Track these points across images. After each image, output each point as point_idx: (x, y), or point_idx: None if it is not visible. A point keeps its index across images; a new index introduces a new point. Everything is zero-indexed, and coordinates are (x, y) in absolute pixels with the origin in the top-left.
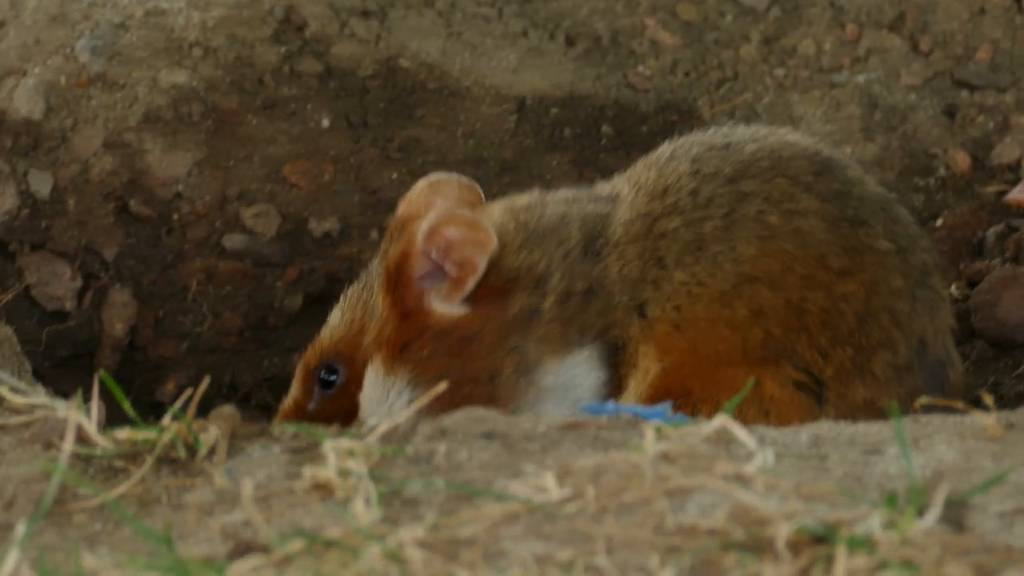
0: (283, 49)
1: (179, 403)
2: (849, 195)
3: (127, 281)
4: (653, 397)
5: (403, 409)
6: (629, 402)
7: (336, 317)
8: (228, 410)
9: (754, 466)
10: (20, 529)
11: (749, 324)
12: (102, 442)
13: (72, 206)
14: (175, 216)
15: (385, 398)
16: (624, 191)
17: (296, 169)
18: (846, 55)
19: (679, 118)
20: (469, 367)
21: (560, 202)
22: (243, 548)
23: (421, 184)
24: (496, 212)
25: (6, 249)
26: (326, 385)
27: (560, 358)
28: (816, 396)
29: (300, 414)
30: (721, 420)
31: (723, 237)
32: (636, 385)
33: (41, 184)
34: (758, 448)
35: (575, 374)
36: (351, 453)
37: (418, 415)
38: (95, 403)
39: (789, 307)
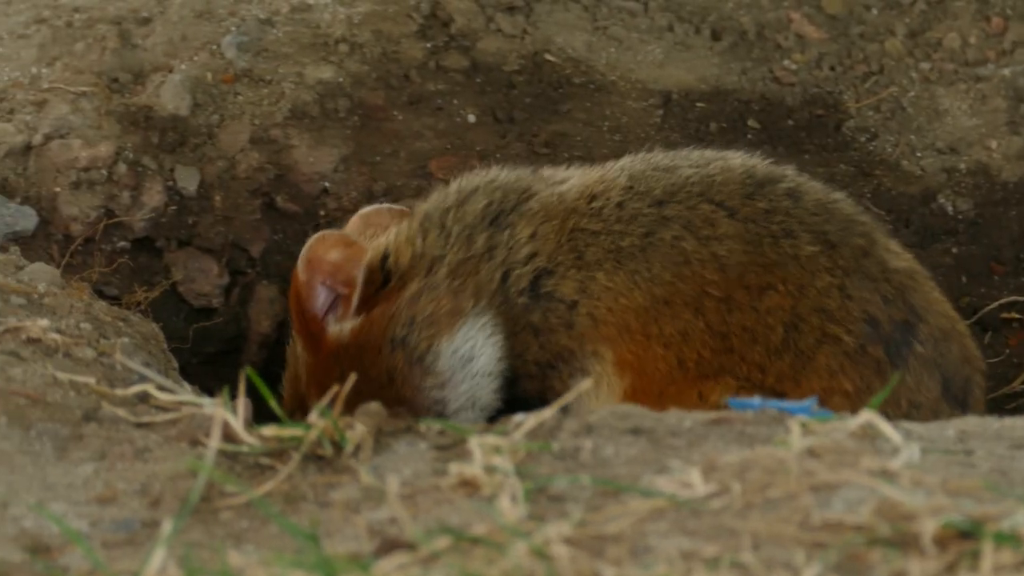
0: (429, 44)
1: (325, 400)
2: (775, 212)
3: (273, 277)
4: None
5: None
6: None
7: (290, 368)
8: (374, 407)
9: (900, 461)
10: (167, 526)
11: (679, 344)
12: (248, 439)
13: (219, 202)
14: (321, 212)
15: None
16: (569, 179)
17: (442, 164)
18: (991, 48)
19: (825, 112)
20: (370, 374)
21: (481, 178)
22: (389, 545)
23: (354, 220)
24: (410, 219)
25: (153, 245)
26: None
27: (451, 335)
28: (765, 391)
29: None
30: (867, 416)
31: (639, 257)
32: (605, 392)
33: (188, 180)
34: (904, 443)
35: (472, 346)
36: (497, 450)
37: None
38: (241, 400)
39: (712, 331)
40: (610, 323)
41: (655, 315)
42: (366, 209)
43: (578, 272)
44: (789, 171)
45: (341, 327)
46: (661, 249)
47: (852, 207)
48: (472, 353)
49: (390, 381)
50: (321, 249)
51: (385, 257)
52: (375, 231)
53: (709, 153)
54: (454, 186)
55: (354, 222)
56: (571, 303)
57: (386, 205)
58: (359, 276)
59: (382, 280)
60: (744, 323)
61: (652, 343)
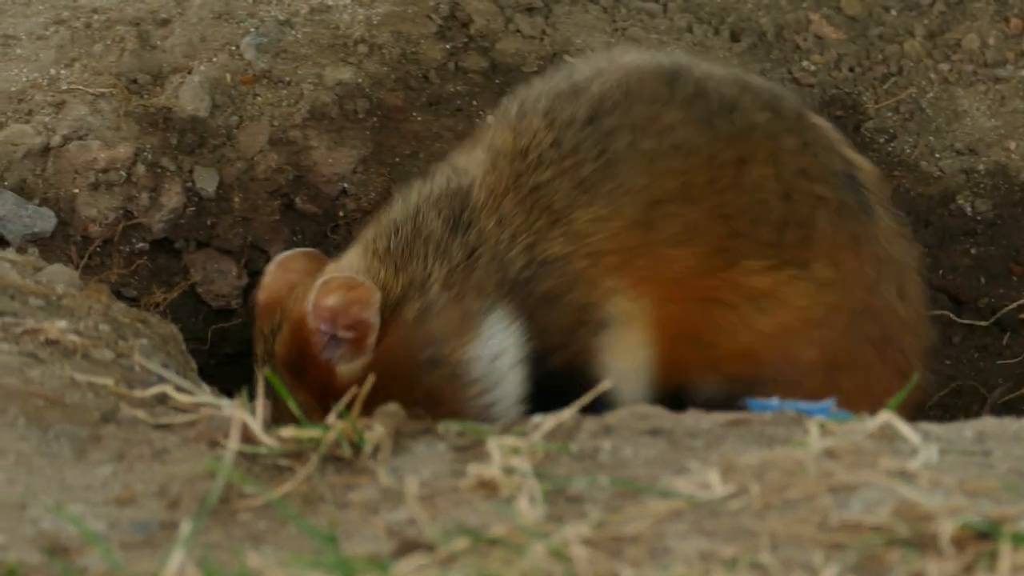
0: (448, 45)
1: (344, 401)
2: (706, 92)
3: None
4: (660, 340)
5: None
6: (630, 353)
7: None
8: (393, 408)
9: (918, 462)
10: (185, 528)
11: (690, 241)
12: (267, 441)
13: (237, 203)
14: (340, 213)
15: None
16: (479, 155)
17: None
18: (1010, 49)
19: (844, 113)
20: (407, 400)
21: (409, 203)
22: (407, 546)
23: (271, 267)
24: (356, 257)
25: (172, 247)
26: None
27: (474, 338)
28: (790, 266)
29: None
30: (885, 417)
31: (607, 176)
32: (628, 330)
33: (207, 181)
34: (922, 444)
35: (497, 342)
36: (516, 451)
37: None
38: (260, 401)
39: (711, 217)
40: (610, 251)
41: (649, 221)
42: (283, 255)
43: (557, 226)
44: (680, 57)
45: (351, 367)
46: (622, 159)
47: (760, 80)
48: (499, 348)
49: (436, 402)
50: (328, 293)
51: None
52: (295, 276)
53: (585, 67)
54: (390, 217)
55: (271, 271)
56: (567, 255)
57: (300, 250)
58: (374, 318)
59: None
60: (738, 202)
61: (660, 248)
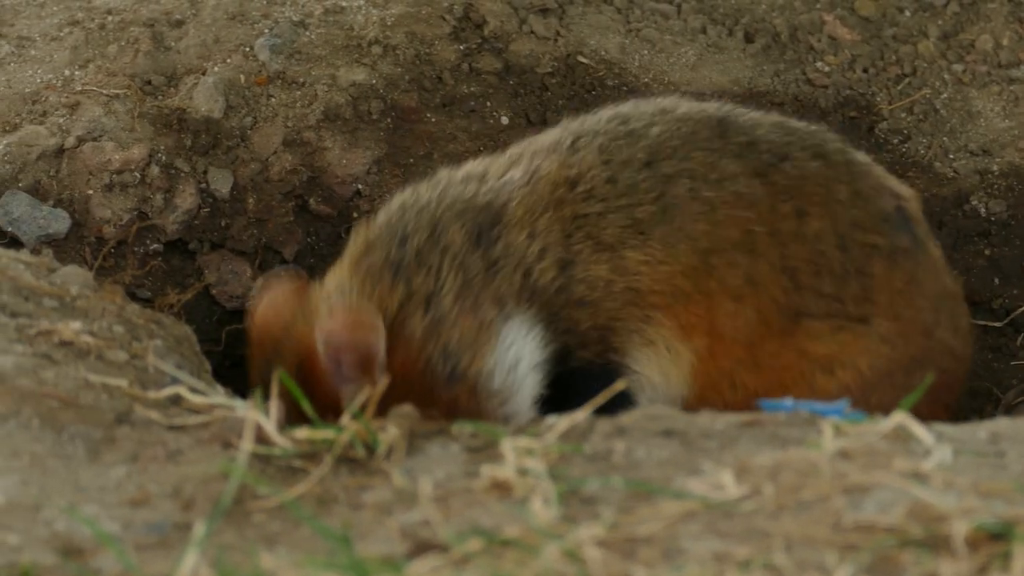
0: (462, 47)
1: (358, 402)
2: (757, 142)
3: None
4: (705, 391)
5: None
6: (667, 380)
7: None
8: (407, 409)
9: (932, 463)
10: (199, 529)
11: (752, 293)
12: (281, 442)
13: (252, 204)
14: (354, 214)
15: None
16: (516, 176)
17: None
18: None
19: (858, 114)
20: (430, 402)
21: (422, 215)
22: (421, 547)
23: (258, 294)
24: (346, 276)
25: (186, 248)
26: None
27: (491, 347)
28: (853, 322)
29: None
30: (899, 417)
31: (664, 220)
32: (668, 364)
33: (221, 183)
34: (936, 445)
35: (515, 349)
36: (529, 452)
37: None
38: (274, 403)
39: (776, 269)
40: (657, 292)
41: (708, 269)
42: (261, 279)
43: (603, 254)
44: (727, 105)
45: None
46: (682, 204)
47: (795, 120)
48: (518, 356)
49: (454, 415)
50: (336, 332)
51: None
52: (283, 301)
53: (637, 106)
54: (389, 226)
55: (258, 292)
56: (607, 282)
57: (281, 267)
58: (380, 348)
59: None
60: (801, 255)
61: (718, 299)
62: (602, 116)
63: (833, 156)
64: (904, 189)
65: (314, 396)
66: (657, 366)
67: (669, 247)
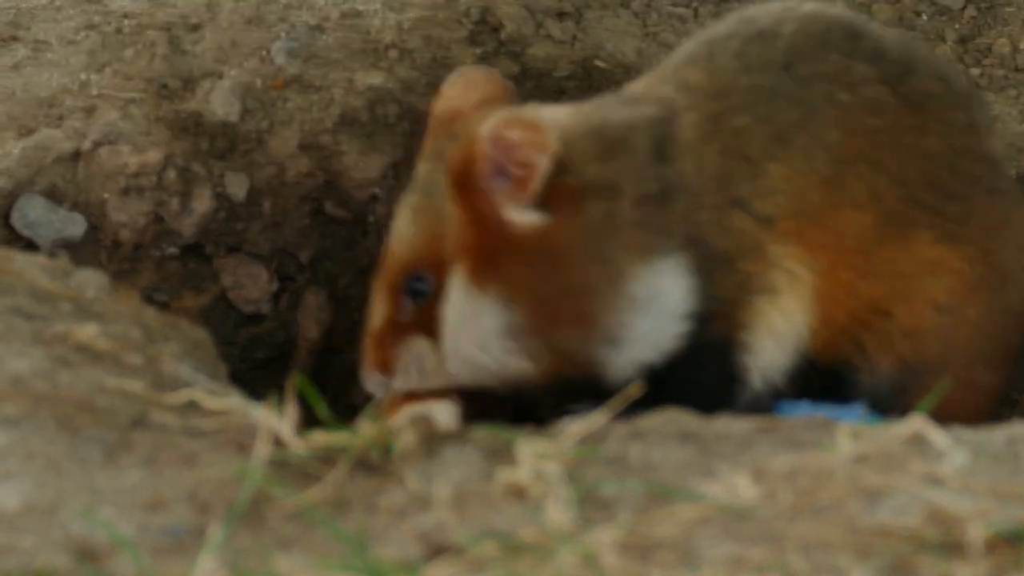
0: (479, 50)
1: (374, 406)
2: (886, 51)
3: (322, 284)
4: (827, 312)
5: (494, 331)
6: (790, 317)
7: (406, 229)
8: (421, 413)
9: (948, 467)
10: (215, 532)
11: (871, 202)
12: (296, 446)
13: (268, 208)
14: (371, 218)
15: (476, 316)
16: (671, 92)
17: None
18: None
19: None
20: (561, 280)
21: (623, 110)
22: (437, 550)
23: (453, 78)
24: (564, 116)
25: (202, 252)
26: (417, 295)
27: (646, 265)
28: (952, 240)
29: (394, 330)
30: (916, 421)
31: (803, 126)
32: (790, 299)
33: (237, 187)
34: (952, 448)
35: (663, 283)
36: (545, 455)
37: (613, 417)
38: (290, 406)
39: (894, 181)
40: (792, 214)
41: (839, 179)
42: (465, 70)
43: (751, 178)
44: (844, 9)
45: (524, 215)
46: (821, 110)
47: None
48: (664, 291)
49: (582, 293)
50: (507, 126)
51: (562, 149)
52: (477, 94)
53: (762, 12)
54: (607, 109)
55: (454, 82)
56: (759, 216)
57: (481, 68)
58: (543, 166)
59: (555, 175)
60: (916, 167)
61: (844, 210)
62: (728, 20)
63: (955, 84)
64: (1000, 147)
65: (469, 188)
66: (780, 311)
67: (809, 158)
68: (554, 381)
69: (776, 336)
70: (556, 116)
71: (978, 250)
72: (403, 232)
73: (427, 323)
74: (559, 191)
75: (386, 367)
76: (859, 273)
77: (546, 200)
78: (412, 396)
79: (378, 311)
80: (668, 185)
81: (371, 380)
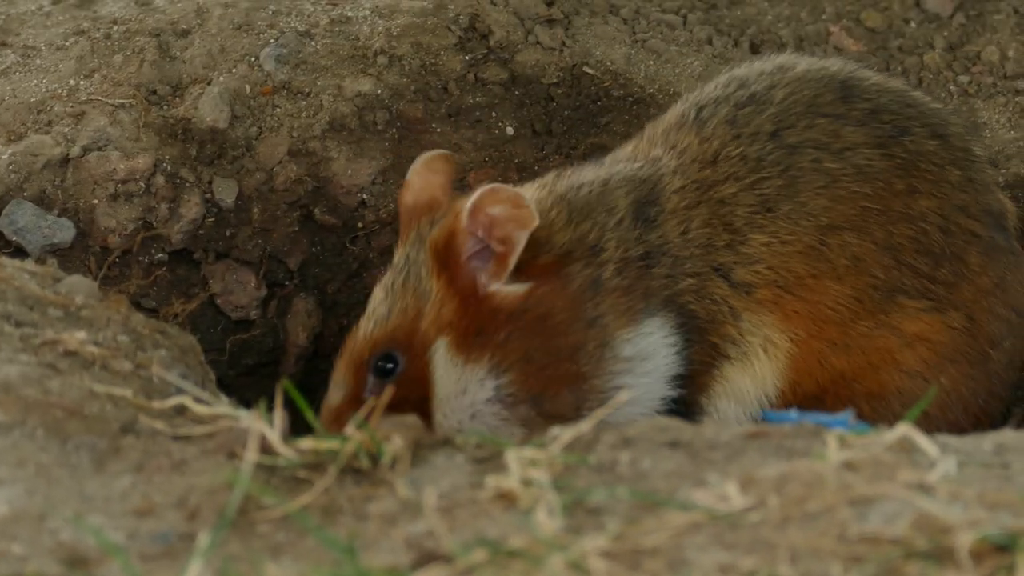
0: (468, 57)
1: (363, 412)
2: (880, 110)
3: (311, 289)
4: (795, 379)
5: (485, 398)
6: (760, 382)
7: (380, 309)
8: (411, 419)
9: (937, 474)
10: (204, 539)
11: (852, 273)
12: (285, 452)
13: (257, 214)
14: (360, 224)
15: (465, 386)
16: (660, 155)
17: (481, 177)
18: None
19: None
20: (551, 345)
21: (597, 172)
22: (426, 558)
23: (416, 166)
24: (532, 190)
25: (191, 257)
26: (384, 374)
27: (632, 328)
28: (938, 311)
29: (354, 406)
30: (904, 429)
31: (788, 195)
32: (764, 364)
33: (226, 192)
34: (941, 456)
35: (649, 343)
36: (534, 462)
37: (600, 424)
38: (279, 413)
39: (880, 247)
40: (771, 283)
41: (821, 250)
42: (426, 155)
43: (733, 246)
44: (849, 64)
45: (505, 288)
46: (807, 178)
47: (920, 95)
48: (650, 352)
49: (572, 355)
50: (490, 202)
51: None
52: (441, 178)
53: (754, 75)
54: (576, 174)
55: (418, 169)
56: (739, 284)
57: (439, 151)
58: (521, 241)
59: (530, 246)
60: (907, 233)
61: (824, 281)
62: (719, 81)
63: (952, 139)
64: (1008, 203)
65: (450, 265)
66: (749, 376)
67: (793, 224)
68: None
69: (737, 398)
70: (525, 191)
71: (965, 318)
72: (377, 312)
73: (393, 401)
74: (537, 264)
75: None
76: (832, 345)
77: (527, 273)
78: None
79: (337, 390)
80: (651, 248)
81: None
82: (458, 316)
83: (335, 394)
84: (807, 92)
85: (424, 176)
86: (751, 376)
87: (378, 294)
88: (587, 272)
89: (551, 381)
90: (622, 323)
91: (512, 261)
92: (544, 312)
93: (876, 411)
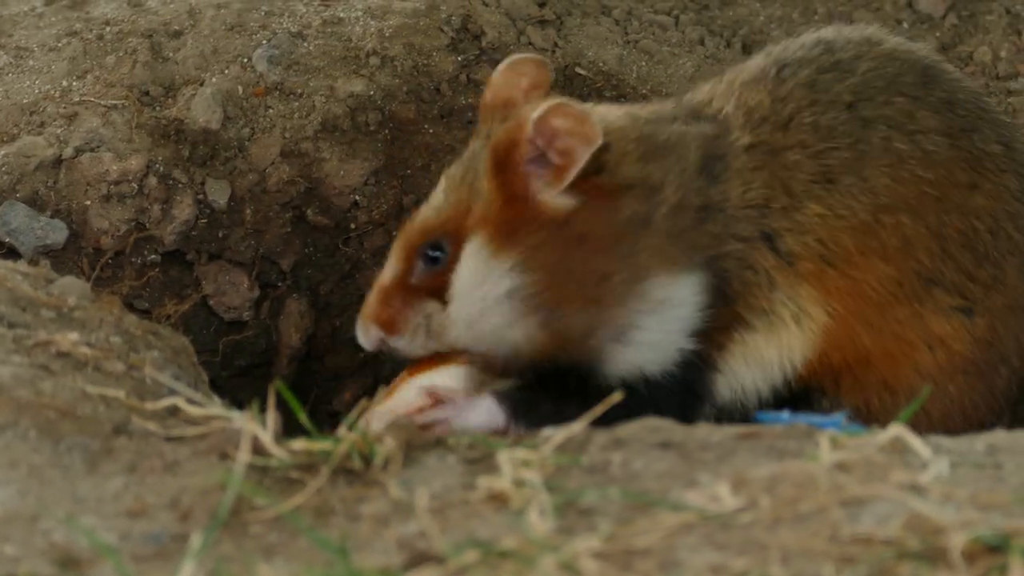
0: (460, 58)
1: (355, 413)
2: (955, 103)
3: (304, 290)
4: (825, 351)
5: (499, 296)
6: (787, 350)
7: (439, 197)
8: (404, 420)
9: (929, 475)
10: (196, 540)
11: (900, 255)
12: (278, 453)
13: (249, 215)
14: (352, 225)
15: (484, 279)
16: (730, 111)
17: None
18: (1022, 62)
19: None
20: (579, 265)
21: (679, 118)
22: (418, 558)
23: (501, 67)
24: (618, 116)
25: (184, 259)
26: (431, 261)
27: (667, 273)
28: (967, 314)
29: (400, 288)
30: (896, 430)
31: (852, 168)
32: (792, 334)
33: (218, 193)
34: (933, 457)
35: (681, 293)
36: (526, 463)
37: (591, 425)
38: (271, 414)
39: (931, 234)
40: (818, 254)
41: (875, 228)
42: (515, 57)
43: (788, 212)
44: (934, 53)
45: (556, 198)
46: (872, 154)
47: (994, 105)
48: (680, 300)
49: (598, 282)
50: (556, 115)
51: (602, 149)
52: (525, 81)
53: (841, 32)
54: (665, 110)
55: (503, 70)
56: (784, 253)
57: (530, 55)
58: (583, 157)
59: (593, 169)
60: (958, 225)
61: (870, 259)
62: (805, 41)
63: (1016, 148)
64: None
65: (507, 168)
66: (776, 346)
67: (850, 199)
68: (550, 362)
69: (758, 364)
70: (607, 115)
71: (989, 327)
72: (434, 199)
73: (432, 288)
74: (595, 184)
75: (389, 325)
76: (867, 325)
77: (581, 190)
78: (419, 365)
79: (390, 269)
80: (709, 202)
81: (367, 333)
82: (499, 215)
83: (386, 273)
84: (891, 68)
85: (507, 76)
86: (776, 345)
87: (442, 182)
88: (641, 208)
89: (571, 298)
90: (659, 266)
91: (570, 175)
92: (585, 231)
93: (884, 404)
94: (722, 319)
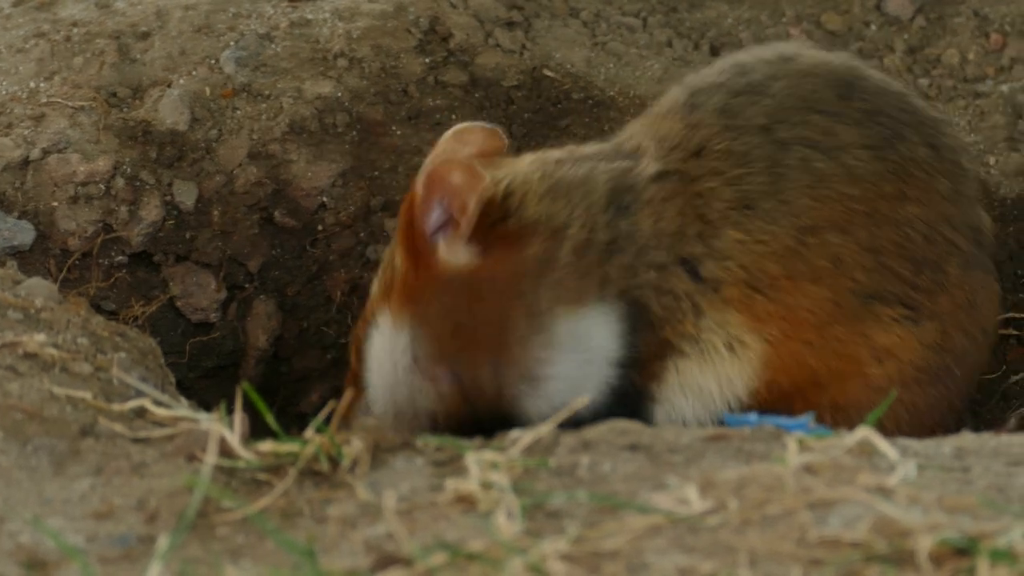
0: (428, 59)
1: (322, 415)
2: (878, 112)
3: (271, 292)
4: (772, 377)
5: (405, 365)
6: (726, 381)
7: (377, 277)
8: (371, 422)
9: (897, 478)
10: (163, 542)
11: (832, 275)
12: (245, 455)
13: (217, 217)
14: (320, 227)
15: (390, 352)
16: (645, 144)
17: None
18: (990, 64)
19: None
20: (482, 315)
21: (589, 156)
22: (386, 561)
23: (448, 134)
24: (530, 160)
25: (151, 260)
26: None
27: (574, 310)
28: (913, 322)
29: (351, 382)
30: (864, 432)
31: (770, 193)
32: (729, 363)
33: (186, 195)
34: (901, 460)
35: (589, 328)
36: (494, 465)
37: (559, 429)
38: (238, 415)
39: (863, 249)
40: (742, 280)
41: (800, 251)
42: (461, 126)
43: (703, 239)
44: (855, 61)
45: (455, 253)
46: (791, 176)
47: (920, 101)
48: (588, 335)
49: (498, 323)
50: (443, 169)
51: (507, 195)
52: (473, 150)
53: (756, 62)
54: (569, 155)
55: (448, 140)
56: (705, 278)
57: (479, 124)
58: (473, 203)
59: (499, 216)
60: (892, 237)
61: (800, 282)
62: (721, 66)
63: (944, 150)
64: (987, 217)
65: (407, 229)
66: (711, 373)
67: (771, 223)
68: (469, 416)
69: (695, 394)
70: (519, 161)
71: (938, 332)
72: (373, 287)
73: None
74: (500, 232)
75: (347, 421)
76: (809, 346)
77: (489, 240)
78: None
79: (354, 356)
80: (618, 236)
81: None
82: (404, 283)
83: (354, 360)
84: (807, 86)
85: (450, 144)
86: (712, 374)
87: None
88: (545, 248)
89: (476, 349)
90: (564, 303)
91: (467, 226)
92: (489, 279)
93: (836, 423)
94: (651, 347)
